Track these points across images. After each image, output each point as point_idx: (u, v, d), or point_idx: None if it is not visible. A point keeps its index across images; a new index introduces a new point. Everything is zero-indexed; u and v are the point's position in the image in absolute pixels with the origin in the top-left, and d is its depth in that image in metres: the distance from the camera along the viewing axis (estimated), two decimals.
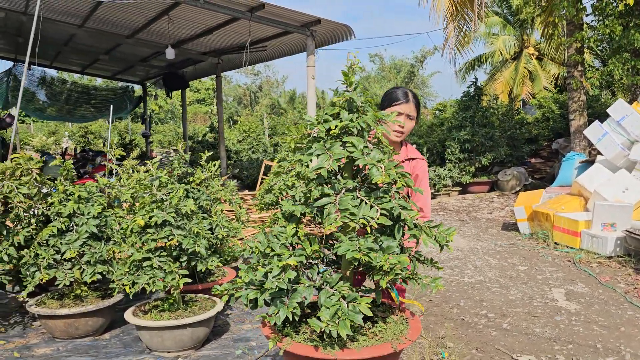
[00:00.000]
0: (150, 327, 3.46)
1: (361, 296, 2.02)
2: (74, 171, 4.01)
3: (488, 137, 12.47)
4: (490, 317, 4.39)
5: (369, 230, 2.04)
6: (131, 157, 4.82)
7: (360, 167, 2.18)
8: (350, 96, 2.10)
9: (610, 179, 6.97)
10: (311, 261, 2.20)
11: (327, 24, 9.23)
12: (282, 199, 5.48)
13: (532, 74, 21.47)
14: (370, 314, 1.95)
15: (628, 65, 9.52)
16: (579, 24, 10.37)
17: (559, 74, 20.57)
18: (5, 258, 3.61)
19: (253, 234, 6.42)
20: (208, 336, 3.78)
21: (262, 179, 10.97)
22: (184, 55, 12.48)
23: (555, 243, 6.94)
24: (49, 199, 3.81)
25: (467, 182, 12.32)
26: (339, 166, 2.17)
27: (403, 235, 2.14)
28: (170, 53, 10.11)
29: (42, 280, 3.63)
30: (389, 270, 1.98)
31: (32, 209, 3.80)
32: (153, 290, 3.42)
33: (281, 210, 2.23)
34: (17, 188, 3.57)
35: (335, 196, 2.04)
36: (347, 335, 2.02)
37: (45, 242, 3.73)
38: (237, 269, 5.34)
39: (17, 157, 3.66)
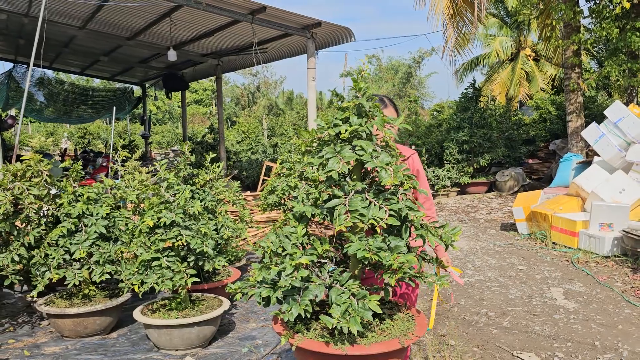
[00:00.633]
0: (159, 325, 3.53)
1: (370, 294, 2.10)
2: (82, 173, 4.08)
3: (486, 138, 12.56)
4: (491, 316, 4.48)
5: (378, 230, 2.12)
6: (133, 158, 4.90)
7: (369, 169, 2.26)
8: (359, 102, 2.17)
9: (608, 179, 7.06)
10: (321, 260, 2.28)
11: (328, 26, 9.32)
12: (285, 200, 5.56)
13: (529, 75, 21.58)
14: (379, 310, 2.03)
15: (624, 67, 9.62)
16: (576, 27, 10.48)
17: (556, 75, 20.69)
18: (16, 258, 3.68)
19: (256, 235, 6.49)
20: (214, 335, 3.85)
21: (264, 179, 11.04)
22: (184, 56, 12.55)
23: (554, 243, 7.03)
24: (58, 200, 3.88)
25: (466, 182, 12.41)
26: (348, 169, 2.25)
27: (409, 235, 2.21)
28: (172, 55, 10.18)
29: (52, 280, 3.70)
30: (397, 268, 2.06)
31: (42, 210, 3.87)
32: (162, 290, 3.49)
33: (291, 211, 2.30)
34: (28, 189, 3.63)
35: (345, 198, 2.12)
36: (357, 332, 2.10)
37: (55, 242, 3.80)
38: (241, 268, 5.41)
39: (28, 159, 3.73)
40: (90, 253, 3.85)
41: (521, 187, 12.35)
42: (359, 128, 2.14)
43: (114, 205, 4.09)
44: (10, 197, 3.64)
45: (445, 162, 12.81)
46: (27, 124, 34.14)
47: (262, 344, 3.80)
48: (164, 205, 3.63)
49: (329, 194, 2.20)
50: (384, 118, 2.17)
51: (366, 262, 2.21)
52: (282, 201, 5.70)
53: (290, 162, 5.86)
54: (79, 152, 16.85)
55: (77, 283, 3.75)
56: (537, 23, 12.56)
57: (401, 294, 2.78)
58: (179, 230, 3.59)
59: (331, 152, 2.13)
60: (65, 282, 3.76)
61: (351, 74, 2.23)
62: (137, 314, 3.67)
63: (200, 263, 3.85)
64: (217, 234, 4.23)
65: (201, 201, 4.36)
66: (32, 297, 4.09)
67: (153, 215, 3.55)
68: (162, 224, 3.56)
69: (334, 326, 2.01)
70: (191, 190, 4.22)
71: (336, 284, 2.15)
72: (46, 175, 3.78)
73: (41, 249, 3.77)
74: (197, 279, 3.70)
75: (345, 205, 2.09)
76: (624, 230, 6.09)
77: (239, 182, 5.60)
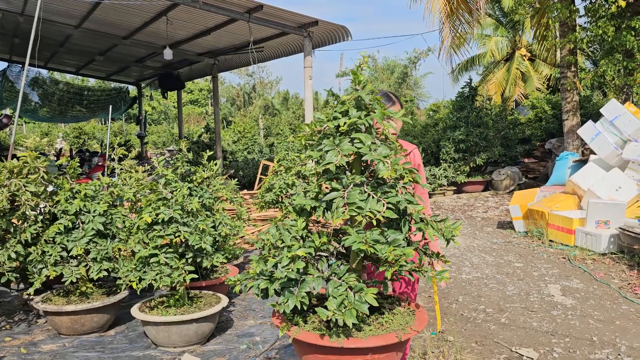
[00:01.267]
0: (157, 322, 3.51)
1: (368, 287, 2.10)
2: (80, 169, 4.07)
3: (482, 137, 12.59)
4: (489, 312, 4.48)
5: (375, 223, 2.11)
6: (130, 157, 4.89)
7: (368, 162, 2.26)
8: (358, 94, 2.17)
9: (604, 177, 7.09)
10: (320, 253, 2.27)
11: (324, 25, 9.31)
12: (282, 198, 5.55)
13: (525, 74, 21.65)
14: (375, 303, 2.02)
15: (620, 66, 9.66)
16: (572, 26, 10.52)
17: (551, 74, 20.76)
18: (13, 255, 3.66)
19: (254, 233, 6.48)
20: (213, 332, 3.84)
21: (260, 178, 11.02)
22: (180, 55, 12.51)
23: (550, 240, 7.05)
24: (55, 197, 3.86)
25: (462, 181, 12.44)
26: (348, 162, 2.24)
27: (410, 229, 2.21)
28: (168, 54, 10.15)
29: (49, 277, 3.68)
30: (393, 261, 2.05)
31: (39, 207, 3.85)
32: (160, 287, 3.48)
33: (292, 204, 2.30)
34: (25, 186, 3.61)
35: (344, 191, 2.11)
36: (354, 325, 2.09)
37: (52, 239, 3.78)
38: (239, 266, 5.40)
39: (25, 156, 3.71)
40: (87, 250, 3.83)
41: (517, 185, 12.39)
42: (357, 121, 2.13)
43: (111, 203, 4.07)
44: (7, 193, 3.62)
45: (441, 161, 12.84)
46: (22, 124, 34.01)
47: (260, 340, 3.79)
48: (162, 202, 3.61)
49: (327, 187, 2.20)
50: (383, 111, 2.16)
51: (362, 255, 2.21)
52: (280, 199, 5.69)
53: (287, 160, 5.86)
54: (74, 152, 16.79)
55: (74, 280, 3.73)
56: (532, 23, 12.61)
57: (400, 293, 2.78)
58: (177, 227, 3.58)
59: (330, 144, 2.13)
60: (62, 280, 3.74)
61: (351, 69, 2.23)
62: (135, 311, 3.66)
63: (199, 260, 3.84)
64: (215, 231, 4.22)
65: (199, 198, 4.35)
66: (29, 294, 4.06)
67: (151, 212, 3.53)
68: (160, 221, 3.55)
69: (329, 318, 2.01)
70: (189, 188, 4.21)
71: (334, 276, 2.14)
72: (43, 172, 3.76)
73: (38, 246, 3.75)
74: (196, 276, 3.69)
75: (343, 197, 2.08)
76: (620, 228, 6.11)
77: (236, 180, 5.59)
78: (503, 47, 21.83)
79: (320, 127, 2.23)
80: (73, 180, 3.96)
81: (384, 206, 2.05)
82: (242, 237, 6.01)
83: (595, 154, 8.04)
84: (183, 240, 3.65)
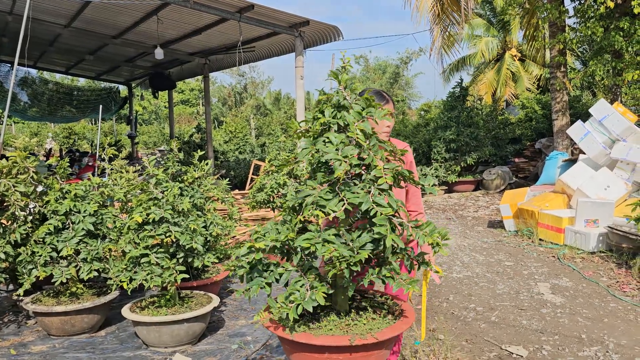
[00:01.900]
0: (148, 322, 3.50)
1: (323, 285, 2.13)
2: (70, 169, 4.04)
3: (473, 137, 12.66)
4: (479, 311, 4.51)
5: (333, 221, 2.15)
6: (120, 157, 4.87)
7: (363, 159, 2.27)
8: (332, 94, 2.21)
9: (593, 176, 7.16)
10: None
11: (316, 25, 9.32)
12: (274, 198, 5.55)
13: (515, 75, 21.78)
14: (323, 302, 2.05)
15: (609, 66, 9.75)
16: (562, 26, 10.60)
17: (541, 75, 20.90)
18: (2, 256, 3.63)
19: (245, 233, 6.47)
20: (204, 332, 3.83)
21: (252, 178, 11.01)
22: (171, 55, 12.47)
23: (540, 239, 7.11)
24: (45, 197, 3.83)
25: (453, 181, 12.50)
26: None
27: (400, 231, 2.18)
28: (159, 53, 10.11)
29: (38, 277, 3.66)
30: (337, 262, 2.05)
31: (28, 207, 3.82)
32: (151, 287, 3.47)
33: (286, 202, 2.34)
34: (14, 186, 3.59)
35: (316, 190, 2.16)
36: (307, 320, 2.21)
37: (41, 240, 3.76)
38: None
39: (14, 156, 3.68)
40: (77, 250, 3.81)
41: (508, 185, 12.47)
42: (330, 120, 2.17)
43: (101, 203, 4.05)
44: None
45: (432, 160, 12.89)
46: (11, 125, 33.70)
47: (251, 340, 3.79)
48: (152, 202, 3.60)
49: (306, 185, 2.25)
50: (359, 112, 2.19)
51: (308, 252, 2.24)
52: (271, 199, 5.69)
53: (279, 160, 5.86)
54: (64, 152, 16.67)
55: (64, 281, 3.71)
56: (522, 23, 12.69)
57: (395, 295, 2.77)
58: (168, 227, 3.57)
59: (309, 142, 2.18)
60: (52, 280, 3.72)
61: (333, 71, 2.25)
62: (125, 311, 3.64)
63: (190, 260, 3.83)
64: (207, 230, 4.22)
65: (190, 198, 4.34)
66: (19, 295, 4.03)
67: (142, 212, 3.52)
68: (151, 220, 3.54)
69: (275, 310, 2.11)
70: (180, 188, 4.20)
71: (302, 272, 2.19)
72: (32, 172, 3.73)
73: (27, 247, 3.72)
74: (187, 276, 3.68)
75: (313, 196, 2.13)
76: (609, 227, 6.17)
77: (228, 180, 5.59)
78: (493, 47, 21.95)
79: (306, 126, 2.27)
80: (63, 180, 3.93)
81: (343, 206, 2.07)
82: (233, 237, 6.01)
83: (584, 153, 8.11)
84: (174, 240, 3.64)
